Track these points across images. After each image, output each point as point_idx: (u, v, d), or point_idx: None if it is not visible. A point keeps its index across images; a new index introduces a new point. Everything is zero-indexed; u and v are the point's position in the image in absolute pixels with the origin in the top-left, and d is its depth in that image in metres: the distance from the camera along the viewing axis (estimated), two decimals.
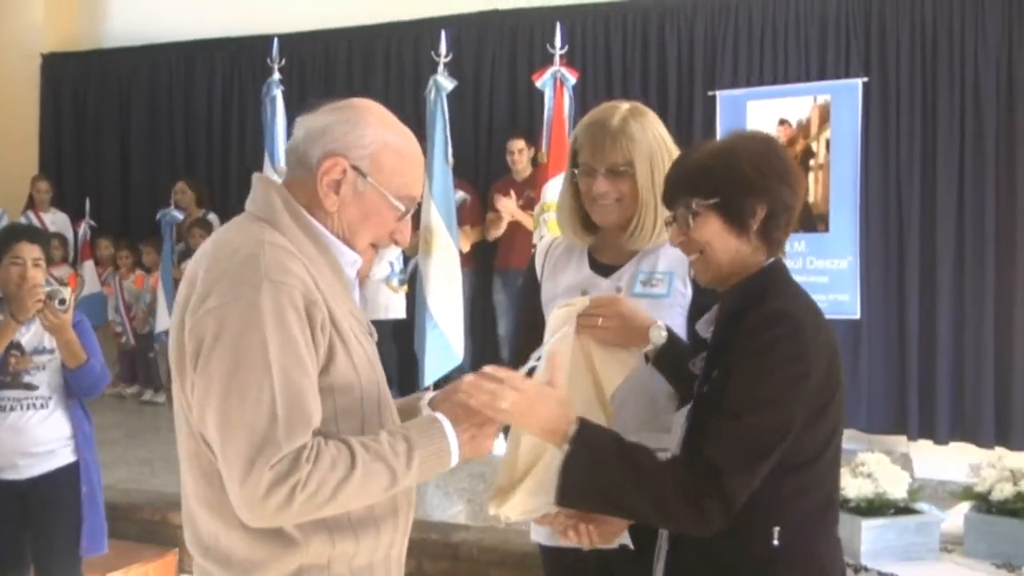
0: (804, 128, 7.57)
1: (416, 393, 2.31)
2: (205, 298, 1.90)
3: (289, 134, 7.83)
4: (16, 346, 4.12)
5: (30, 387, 4.14)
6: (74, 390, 4.21)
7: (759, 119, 7.57)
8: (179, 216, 9.70)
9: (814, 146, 7.55)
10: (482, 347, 8.46)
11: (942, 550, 3.25)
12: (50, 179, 10.48)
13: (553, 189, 6.39)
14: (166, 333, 9.26)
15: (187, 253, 9.61)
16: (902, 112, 7.60)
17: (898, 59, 7.64)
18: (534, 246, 6.52)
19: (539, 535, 2.80)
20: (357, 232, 2.09)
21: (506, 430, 2.19)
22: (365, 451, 1.90)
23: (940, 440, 7.39)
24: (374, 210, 2.08)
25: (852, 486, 3.22)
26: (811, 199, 7.44)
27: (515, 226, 8.02)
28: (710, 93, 8.07)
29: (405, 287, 7.86)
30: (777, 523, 2.09)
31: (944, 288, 7.43)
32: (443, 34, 7.51)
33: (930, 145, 7.54)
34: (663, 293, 2.66)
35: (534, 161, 8.09)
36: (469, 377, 2.03)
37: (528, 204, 7.82)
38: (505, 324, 8.28)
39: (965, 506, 3.39)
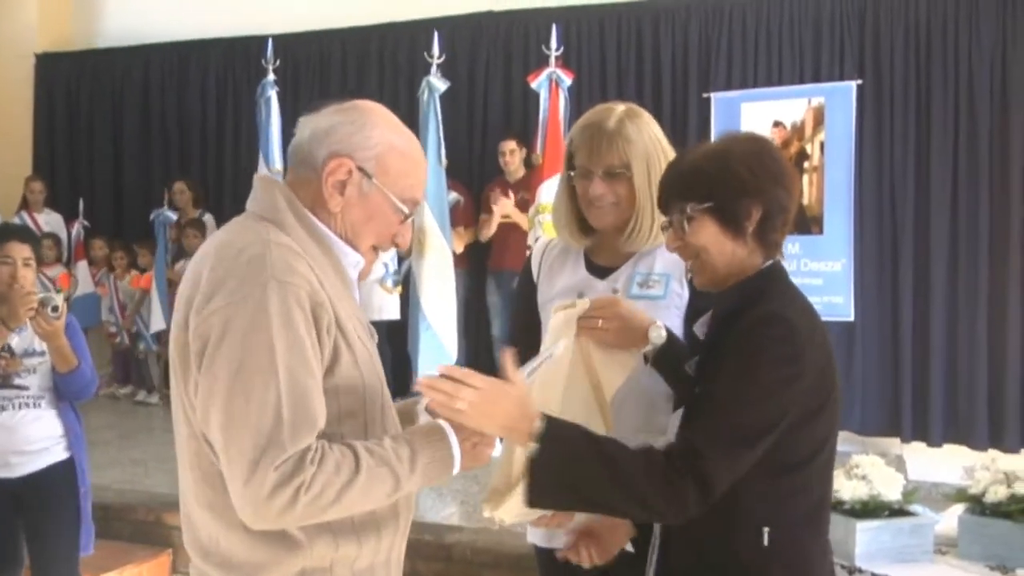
0: (798, 130, 7.59)
1: (413, 398, 2.29)
2: (210, 298, 1.88)
3: (284, 135, 7.80)
4: (6, 348, 4.10)
5: (21, 388, 4.12)
6: (64, 394, 4.20)
7: (753, 121, 7.59)
8: (172, 216, 9.70)
9: (808, 148, 7.57)
10: (476, 348, 8.47)
11: (936, 552, 3.26)
12: (44, 179, 10.46)
13: (548, 190, 6.39)
14: (159, 334, 9.38)
15: (181, 254, 9.62)
16: (896, 114, 7.62)
17: (892, 61, 7.66)
18: (529, 247, 6.54)
19: (535, 536, 2.80)
20: (360, 234, 2.08)
21: None
22: (369, 455, 1.89)
23: (933, 442, 7.40)
24: (378, 212, 2.07)
25: (847, 488, 3.23)
26: (805, 201, 7.45)
27: (509, 227, 8.03)
28: (705, 95, 8.09)
29: (399, 288, 7.86)
30: (767, 524, 2.09)
31: (938, 290, 7.44)
32: (435, 35, 7.51)
33: (924, 147, 7.55)
34: (660, 295, 2.65)
35: (527, 162, 8.10)
36: (424, 377, 1.96)
37: (521, 205, 7.83)
38: (499, 325, 8.29)
39: (959, 508, 3.39)
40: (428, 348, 7.03)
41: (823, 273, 7.39)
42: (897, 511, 3.25)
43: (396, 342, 7.78)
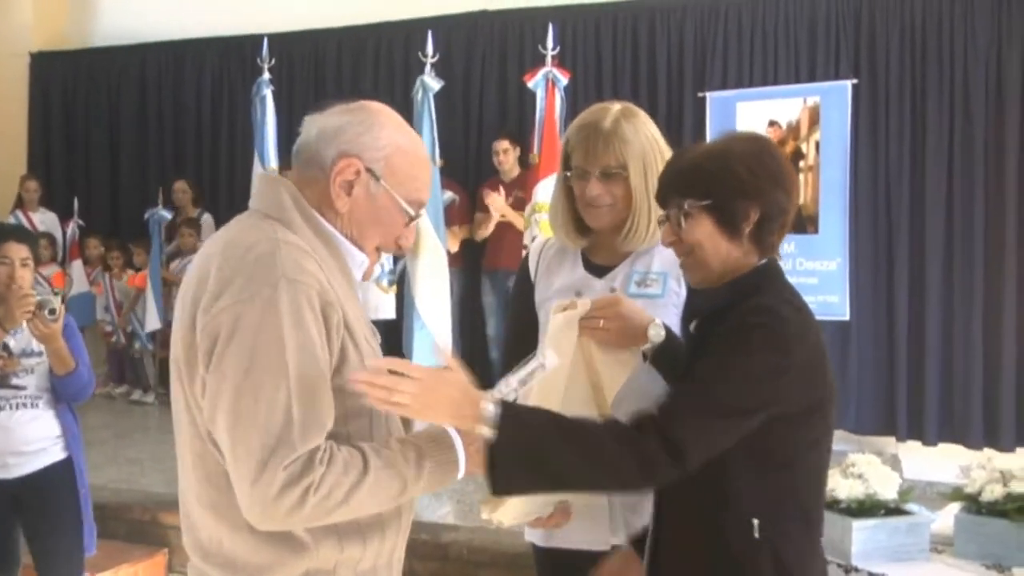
0: (794, 130, 7.59)
1: None
2: (219, 296, 1.86)
3: (279, 133, 7.73)
4: (4, 348, 4.09)
5: (18, 387, 4.11)
6: (61, 395, 4.19)
7: (749, 120, 7.58)
8: (167, 216, 9.70)
9: (804, 148, 7.56)
10: (471, 348, 8.46)
11: (932, 551, 3.26)
12: (39, 178, 10.45)
13: (544, 190, 6.40)
14: (156, 333, 9.38)
15: (176, 253, 9.61)
16: (891, 114, 7.62)
17: (887, 61, 7.66)
18: (525, 247, 6.54)
19: (534, 536, 2.80)
20: (366, 234, 2.07)
21: None
22: (377, 457, 1.88)
23: (929, 441, 7.40)
24: (385, 213, 2.06)
25: (843, 487, 3.23)
26: (800, 201, 7.44)
27: (504, 227, 8.03)
28: (700, 95, 8.08)
29: (394, 287, 7.86)
30: (757, 516, 2.09)
31: (933, 289, 7.45)
32: (429, 34, 7.51)
33: (919, 147, 7.55)
34: (658, 293, 2.65)
35: (522, 161, 8.09)
36: (359, 372, 1.88)
37: (516, 204, 7.83)
38: (494, 324, 8.29)
39: (955, 507, 3.39)
40: (423, 347, 7.02)
41: (818, 272, 7.39)
42: (893, 510, 3.25)
43: (391, 341, 7.76)
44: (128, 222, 10.46)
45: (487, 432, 1.92)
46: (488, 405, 1.93)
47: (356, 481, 1.83)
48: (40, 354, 4.13)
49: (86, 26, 11.23)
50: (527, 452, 1.96)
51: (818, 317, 2.20)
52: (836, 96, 7.52)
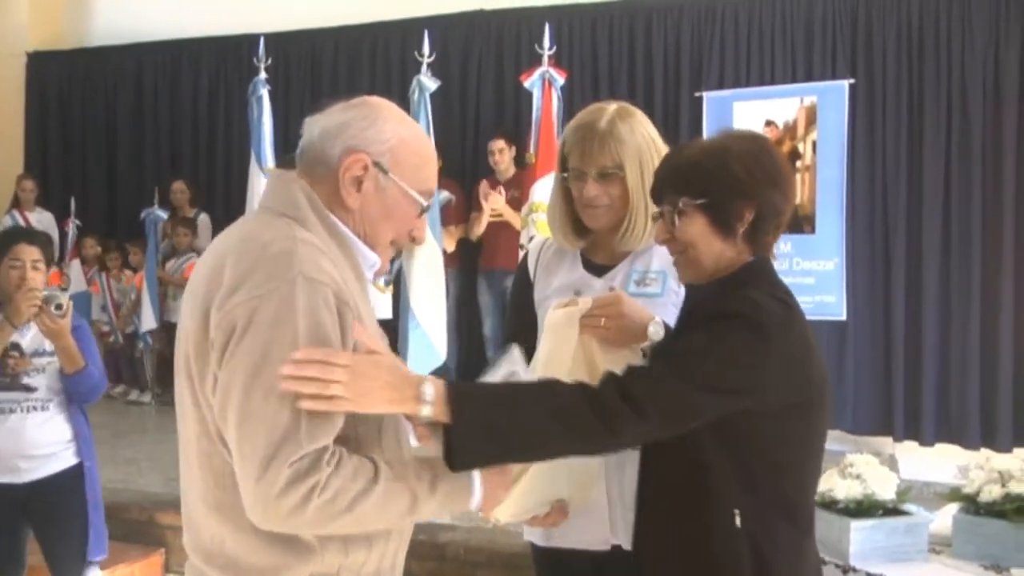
0: (791, 129, 7.58)
1: None
2: (235, 291, 1.83)
3: (275, 133, 7.72)
4: (15, 347, 4.08)
5: (29, 389, 4.09)
6: (72, 395, 4.16)
7: (745, 120, 7.58)
8: (163, 215, 9.70)
9: (800, 147, 7.56)
10: (467, 348, 8.46)
11: (930, 551, 3.26)
12: (35, 178, 10.44)
13: (541, 189, 6.40)
14: (151, 333, 9.37)
15: (171, 253, 9.60)
16: (888, 113, 7.63)
17: (884, 60, 7.67)
18: (522, 246, 6.54)
19: (533, 535, 2.79)
20: (379, 230, 2.06)
21: None
22: (389, 469, 1.85)
23: (926, 442, 7.41)
24: (396, 206, 2.05)
25: (841, 487, 3.23)
26: (797, 200, 7.45)
27: (500, 226, 8.02)
28: (696, 94, 8.09)
29: (391, 287, 7.85)
30: (737, 506, 2.08)
31: (930, 289, 7.46)
32: (426, 34, 7.50)
33: (916, 146, 7.56)
34: (657, 292, 2.65)
35: (517, 161, 8.09)
36: (287, 367, 1.76)
37: (513, 203, 7.82)
38: (490, 324, 8.29)
39: (953, 507, 3.39)
40: (418, 348, 7.01)
41: (815, 272, 7.39)
42: (891, 510, 3.25)
43: (388, 341, 7.76)
44: (124, 222, 10.46)
45: (430, 413, 1.87)
46: (427, 386, 1.87)
47: (364, 489, 1.80)
48: (51, 354, 4.11)
49: (82, 26, 11.22)
50: (489, 423, 1.91)
51: (814, 317, 2.20)
52: (833, 96, 7.52)
